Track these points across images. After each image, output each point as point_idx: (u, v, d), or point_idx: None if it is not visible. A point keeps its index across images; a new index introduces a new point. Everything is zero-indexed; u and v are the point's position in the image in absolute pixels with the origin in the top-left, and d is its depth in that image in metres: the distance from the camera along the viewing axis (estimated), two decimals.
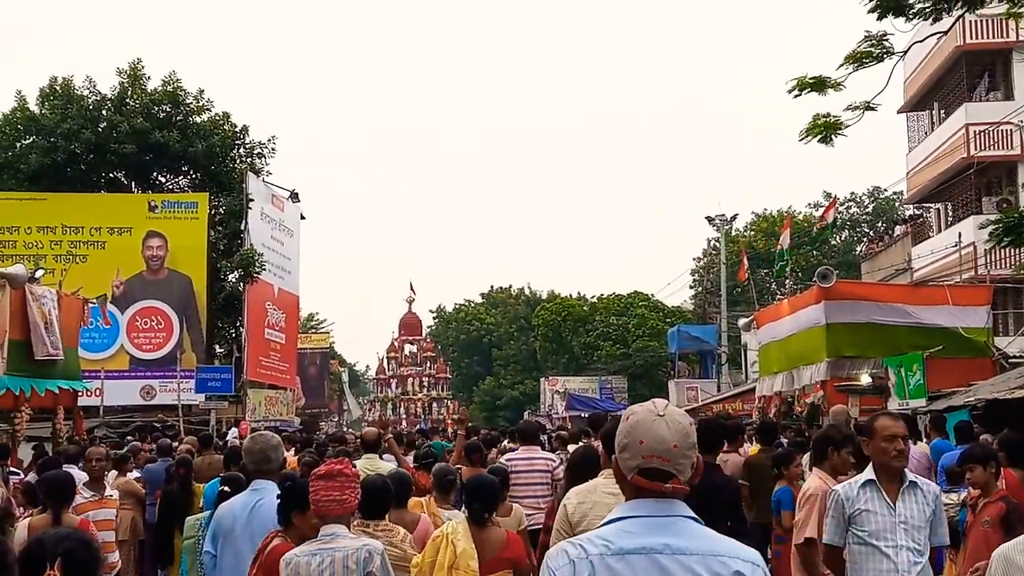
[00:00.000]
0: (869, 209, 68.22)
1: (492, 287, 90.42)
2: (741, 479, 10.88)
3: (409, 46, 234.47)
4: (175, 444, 17.72)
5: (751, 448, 11.84)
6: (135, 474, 13.63)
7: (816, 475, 7.20)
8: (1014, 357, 19.62)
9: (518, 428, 13.06)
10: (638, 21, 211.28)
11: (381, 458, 10.71)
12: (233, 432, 23.85)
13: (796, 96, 13.65)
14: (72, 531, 4.03)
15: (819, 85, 13.50)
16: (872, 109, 13.27)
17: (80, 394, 19.86)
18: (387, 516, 6.73)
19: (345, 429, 57.87)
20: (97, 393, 26.93)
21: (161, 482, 12.69)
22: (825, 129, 13.28)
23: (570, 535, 5.18)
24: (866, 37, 13.49)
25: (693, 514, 3.14)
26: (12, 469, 12.89)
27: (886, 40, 13.48)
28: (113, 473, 13.05)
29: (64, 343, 17.77)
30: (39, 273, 18.19)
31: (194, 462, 12.20)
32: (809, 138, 13.50)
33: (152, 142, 34.38)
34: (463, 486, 6.87)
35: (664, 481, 3.07)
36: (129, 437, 21.32)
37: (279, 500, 5.86)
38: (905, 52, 14.19)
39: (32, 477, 11.77)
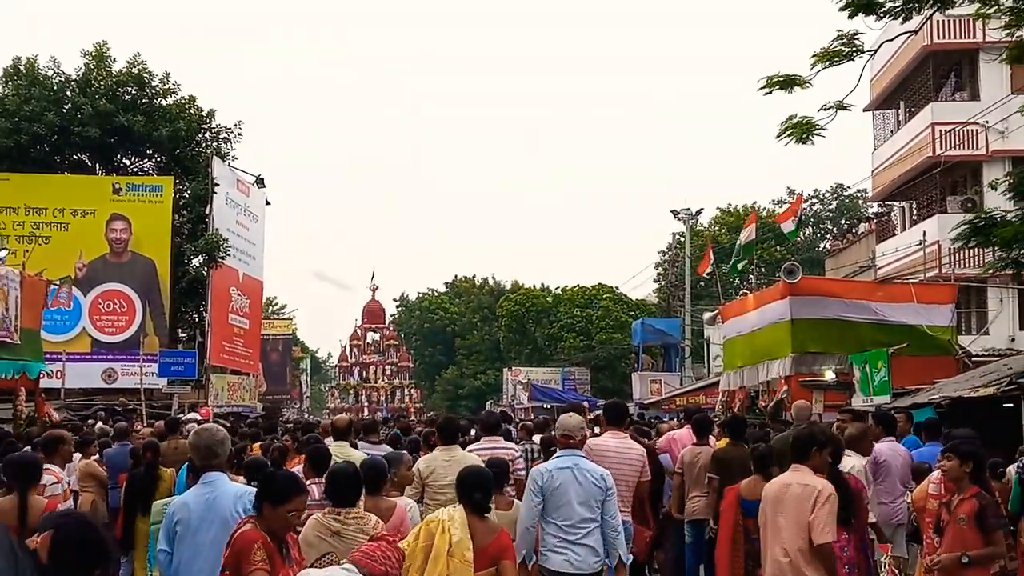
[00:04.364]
0: (832, 206, 68.65)
1: (456, 276, 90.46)
2: (710, 472, 10.89)
3: (374, 32, 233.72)
4: (139, 428, 17.62)
5: (719, 442, 11.83)
6: (96, 456, 13.51)
7: (809, 473, 7.14)
8: (977, 356, 19.81)
9: (480, 418, 12.99)
10: (606, 15, 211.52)
11: (353, 446, 10.65)
12: (192, 416, 23.59)
13: (767, 94, 13.70)
14: (75, 512, 3.97)
15: (788, 84, 13.54)
16: (845, 108, 13.32)
17: (41, 376, 19.67)
18: (362, 504, 6.71)
19: (308, 416, 57.73)
20: (58, 375, 26.70)
21: (123, 466, 12.57)
22: (802, 130, 13.32)
23: (422, 486, 9.02)
24: (838, 36, 13.55)
25: (584, 455, 8.16)
26: None
27: (857, 39, 13.55)
28: (77, 456, 12.95)
29: (26, 324, 17.59)
30: (2, 254, 18.01)
31: (161, 446, 12.09)
32: (786, 139, 13.53)
33: (117, 125, 34.05)
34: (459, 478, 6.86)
35: (573, 439, 8.06)
36: (91, 420, 21.13)
37: (256, 488, 5.82)
38: (875, 51, 14.27)
39: None
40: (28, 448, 11.21)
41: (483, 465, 8.08)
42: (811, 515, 6.92)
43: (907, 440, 11.88)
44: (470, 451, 10.19)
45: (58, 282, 22.57)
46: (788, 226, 29.91)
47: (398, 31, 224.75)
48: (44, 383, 20.97)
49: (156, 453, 11.46)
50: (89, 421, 20.81)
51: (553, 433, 8.84)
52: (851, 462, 9.33)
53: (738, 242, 31.56)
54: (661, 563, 12.63)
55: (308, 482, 7.45)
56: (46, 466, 8.91)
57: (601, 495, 7.82)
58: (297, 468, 8.72)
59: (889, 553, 8.73)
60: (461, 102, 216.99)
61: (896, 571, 8.58)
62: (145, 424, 19.99)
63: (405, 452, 9.80)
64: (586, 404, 21.31)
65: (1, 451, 11.63)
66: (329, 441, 10.58)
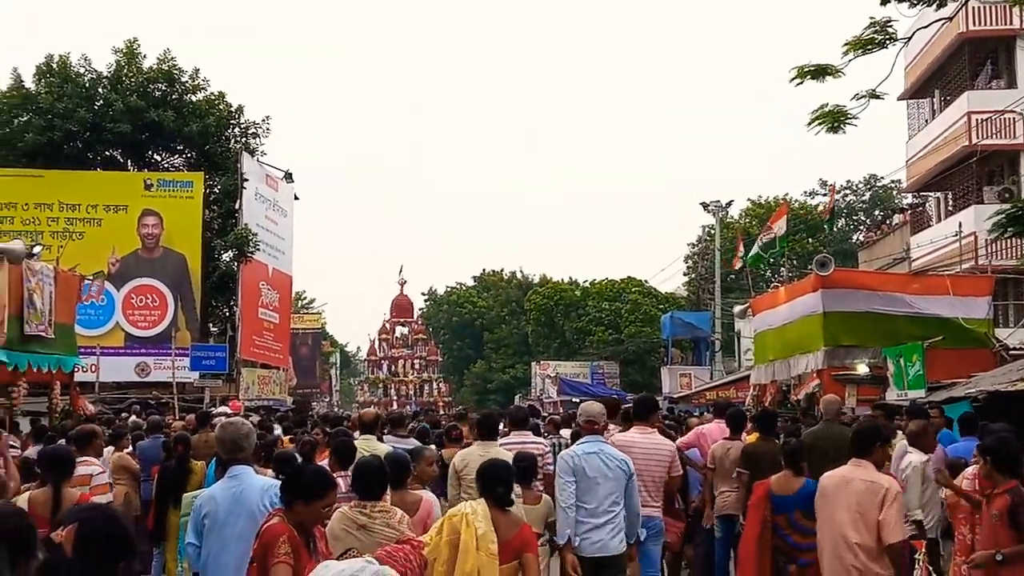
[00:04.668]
0: (866, 197, 68.12)
1: (484, 270, 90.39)
2: (739, 467, 10.80)
3: (402, 26, 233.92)
4: (171, 421, 17.71)
5: (749, 436, 11.72)
6: (128, 449, 13.58)
7: (872, 469, 7.09)
8: (1015, 349, 19.51)
9: (508, 412, 12.97)
10: (635, 5, 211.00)
11: (379, 439, 10.64)
12: (222, 410, 23.67)
13: (798, 84, 13.53)
14: (101, 505, 3.92)
15: (820, 73, 13.36)
16: (878, 97, 13.13)
17: (76, 370, 19.78)
18: (388, 498, 6.69)
19: (338, 410, 57.89)
20: (93, 369, 26.87)
21: (155, 458, 12.65)
22: (833, 118, 13.14)
23: (457, 480, 9.23)
24: (871, 23, 13.37)
25: (605, 440, 8.72)
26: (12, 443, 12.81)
27: (890, 26, 13.36)
28: (109, 448, 13.01)
29: (61, 319, 17.68)
30: (37, 249, 18.07)
31: (191, 439, 12.16)
32: (817, 127, 13.35)
33: (147, 121, 34.28)
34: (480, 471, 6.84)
35: (597, 424, 8.69)
36: (124, 413, 21.25)
37: (282, 483, 5.81)
38: (909, 39, 14.07)
39: (32, 452, 11.71)
40: (62, 441, 11.27)
41: (504, 459, 8.07)
42: (880, 514, 6.90)
43: (941, 435, 11.74)
44: (499, 445, 10.19)
45: (91, 277, 22.68)
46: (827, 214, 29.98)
47: (427, 23, 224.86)
48: (79, 377, 21.09)
49: (187, 446, 11.55)
50: (123, 414, 20.93)
51: (578, 419, 9.22)
52: (911, 458, 9.26)
53: (772, 237, 31.18)
54: (690, 558, 12.56)
55: (335, 475, 7.45)
56: (87, 458, 8.96)
57: (625, 478, 8.40)
58: (324, 461, 8.74)
59: (923, 550, 8.63)
60: (492, 95, 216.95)
61: (930, 568, 8.48)
62: (177, 417, 20.06)
63: (430, 447, 9.80)
64: (615, 397, 21.19)
65: (44, 444, 11.75)
66: (356, 435, 10.58)
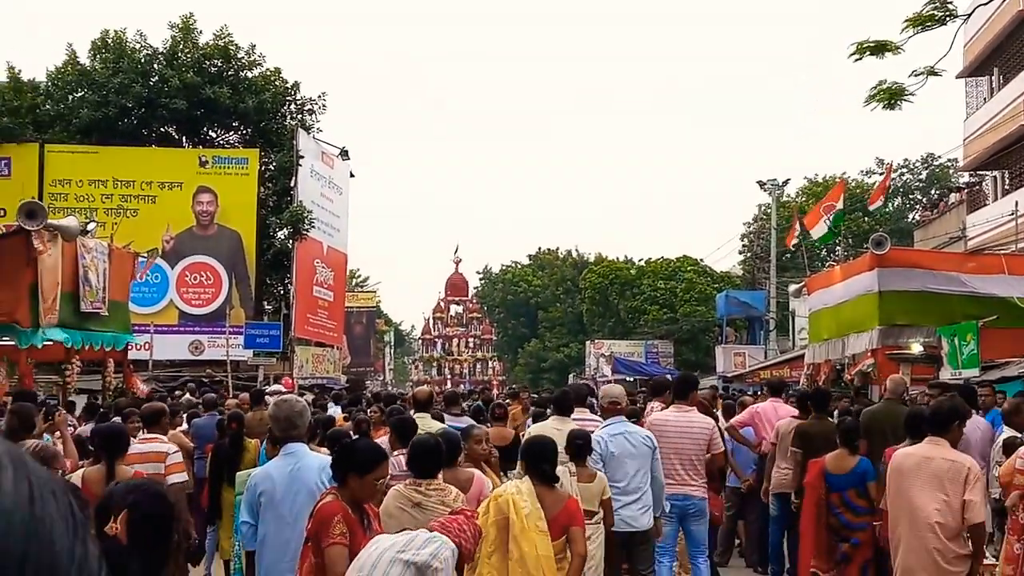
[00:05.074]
0: (922, 176, 67.20)
1: (539, 249, 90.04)
2: (792, 446, 10.74)
3: (459, 3, 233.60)
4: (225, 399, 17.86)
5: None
6: (183, 427, 13.70)
7: (948, 447, 7.04)
8: None
9: (569, 389, 13.06)
10: None
11: (442, 419, 10.70)
12: (276, 388, 23.82)
13: (857, 60, 13.35)
14: (145, 483, 3.85)
15: (879, 49, 13.17)
16: (936, 75, 12.91)
17: (129, 348, 19.97)
18: (440, 475, 6.72)
19: (392, 388, 58.23)
20: (146, 347, 27.09)
21: (210, 436, 12.75)
22: (890, 95, 12.96)
23: None
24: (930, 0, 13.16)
25: (627, 420, 9.24)
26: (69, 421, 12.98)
27: (950, 3, 13.15)
28: None
29: (115, 297, 17.83)
30: (91, 226, 18.23)
31: (245, 417, 12.24)
32: (874, 104, 13.18)
33: (203, 97, 34.35)
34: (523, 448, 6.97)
35: (618, 405, 9.28)
36: (178, 392, 21.45)
37: (334, 459, 5.83)
38: (969, 15, 13.84)
39: (85, 430, 11.85)
40: (116, 419, 11.41)
41: (551, 436, 8.10)
42: (966, 494, 6.81)
43: (993, 413, 11.64)
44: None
45: (146, 254, 22.86)
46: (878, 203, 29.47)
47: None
48: (132, 355, 21.28)
49: (241, 424, 11.62)
50: (176, 392, 21.13)
51: (601, 402, 9.90)
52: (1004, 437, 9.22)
53: (834, 211, 30.69)
54: (744, 534, 12.55)
55: (394, 453, 7.49)
56: (157, 436, 9.06)
57: (650, 453, 8.86)
58: (382, 439, 8.78)
59: None
60: (548, 72, 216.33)
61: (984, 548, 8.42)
62: (231, 396, 20.22)
63: (480, 426, 9.85)
64: (668, 376, 21.11)
65: (96, 422, 11.90)
66: (410, 413, 10.63)
